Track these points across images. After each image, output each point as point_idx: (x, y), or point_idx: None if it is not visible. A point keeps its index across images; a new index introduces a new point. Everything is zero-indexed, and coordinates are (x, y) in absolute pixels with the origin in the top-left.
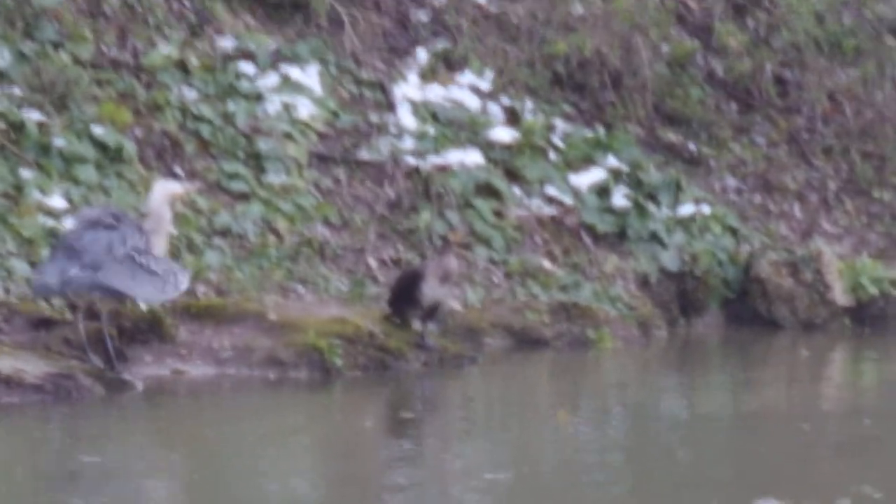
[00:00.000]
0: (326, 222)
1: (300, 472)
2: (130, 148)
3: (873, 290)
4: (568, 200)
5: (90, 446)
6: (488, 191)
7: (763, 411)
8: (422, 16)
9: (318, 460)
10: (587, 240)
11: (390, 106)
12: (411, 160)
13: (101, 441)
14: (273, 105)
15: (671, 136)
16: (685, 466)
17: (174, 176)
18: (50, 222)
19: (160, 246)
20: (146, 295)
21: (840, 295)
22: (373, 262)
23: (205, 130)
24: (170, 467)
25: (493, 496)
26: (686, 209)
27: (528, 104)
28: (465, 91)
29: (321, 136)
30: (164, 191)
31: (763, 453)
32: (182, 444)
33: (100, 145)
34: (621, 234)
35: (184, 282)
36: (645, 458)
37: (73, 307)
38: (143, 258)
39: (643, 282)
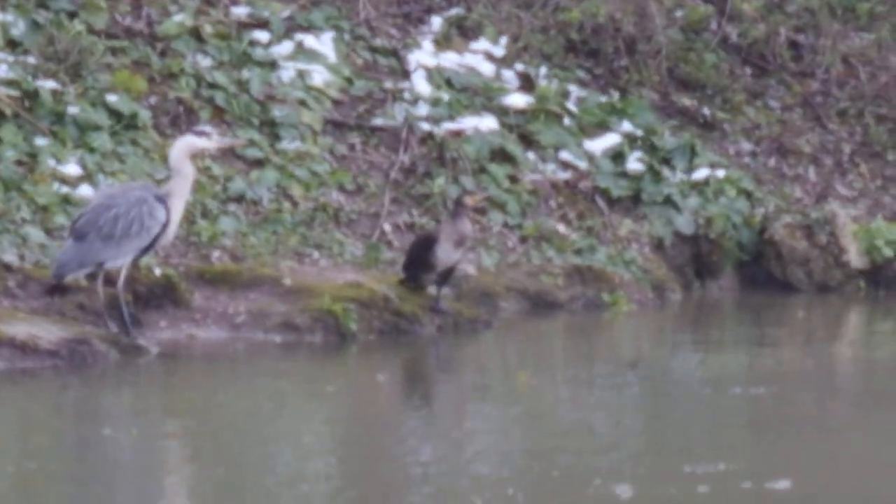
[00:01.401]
0: (341, 188)
1: (314, 438)
2: (145, 115)
3: (888, 253)
4: (582, 165)
5: (104, 412)
6: (503, 156)
7: (773, 376)
8: None
9: (332, 426)
10: (602, 204)
11: (405, 72)
12: (426, 126)
13: (115, 407)
14: (287, 72)
15: (685, 100)
16: (688, 432)
17: (201, 133)
18: (64, 189)
19: (179, 206)
20: (130, 251)
21: (855, 257)
22: (387, 227)
23: (219, 98)
24: (182, 434)
25: (503, 463)
26: (700, 173)
27: (543, 70)
28: (479, 58)
29: (335, 102)
30: (186, 146)
31: (765, 422)
32: (195, 409)
33: (114, 113)
34: (636, 199)
35: (161, 216)
36: (650, 422)
37: (90, 274)
38: (132, 227)
39: (658, 245)
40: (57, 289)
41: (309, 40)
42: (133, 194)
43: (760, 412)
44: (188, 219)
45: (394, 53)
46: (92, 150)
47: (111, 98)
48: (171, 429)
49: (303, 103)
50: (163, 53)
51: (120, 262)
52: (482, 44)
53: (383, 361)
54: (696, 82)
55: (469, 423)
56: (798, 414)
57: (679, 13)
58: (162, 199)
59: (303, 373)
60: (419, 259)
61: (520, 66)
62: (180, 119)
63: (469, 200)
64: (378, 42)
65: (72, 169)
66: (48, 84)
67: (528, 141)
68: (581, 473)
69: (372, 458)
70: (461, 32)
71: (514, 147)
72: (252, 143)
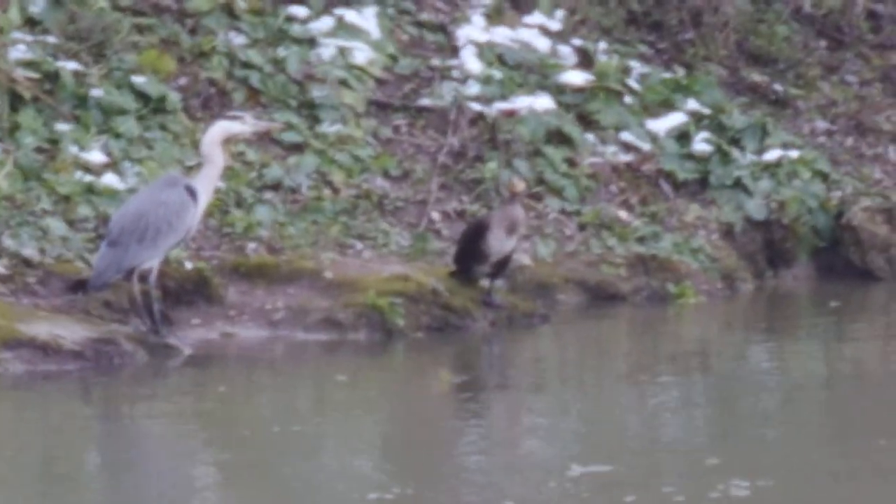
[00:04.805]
0: (385, 174)
1: (358, 446)
2: (174, 98)
3: None
4: (645, 147)
5: (130, 419)
6: (559, 138)
7: (859, 374)
8: None
9: (380, 433)
10: (666, 188)
11: (453, 49)
12: (476, 106)
13: (142, 414)
14: (327, 50)
15: (755, 76)
16: (768, 438)
17: (234, 117)
18: (87, 178)
19: (206, 196)
20: (165, 248)
21: None
22: (436, 216)
23: (254, 78)
24: (215, 444)
25: (566, 478)
26: (772, 154)
27: (602, 45)
28: (533, 32)
29: (379, 82)
30: (219, 132)
31: (846, 425)
32: (231, 416)
33: (141, 96)
34: (703, 182)
35: (192, 207)
36: (721, 428)
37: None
38: (164, 226)
39: (727, 232)
40: (80, 285)
41: (350, 15)
42: (161, 194)
43: (842, 417)
44: (221, 208)
45: (441, 29)
46: (117, 136)
47: (138, 79)
48: (200, 441)
49: (344, 83)
50: (193, 31)
51: (156, 260)
52: (536, 17)
53: (433, 359)
54: (766, 56)
55: (524, 426)
56: (883, 418)
57: None
58: (192, 190)
59: (345, 374)
60: (470, 248)
61: (577, 41)
62: (212, 101)
63: (512, 189)
64: (425, 16)
65: (96, 156)
66: (70, 65)
67: (586, 121)
68: (639, 476)
69: (419, 476)
70: (514, 5)
71: (571, 128)
72: (289, 126)
